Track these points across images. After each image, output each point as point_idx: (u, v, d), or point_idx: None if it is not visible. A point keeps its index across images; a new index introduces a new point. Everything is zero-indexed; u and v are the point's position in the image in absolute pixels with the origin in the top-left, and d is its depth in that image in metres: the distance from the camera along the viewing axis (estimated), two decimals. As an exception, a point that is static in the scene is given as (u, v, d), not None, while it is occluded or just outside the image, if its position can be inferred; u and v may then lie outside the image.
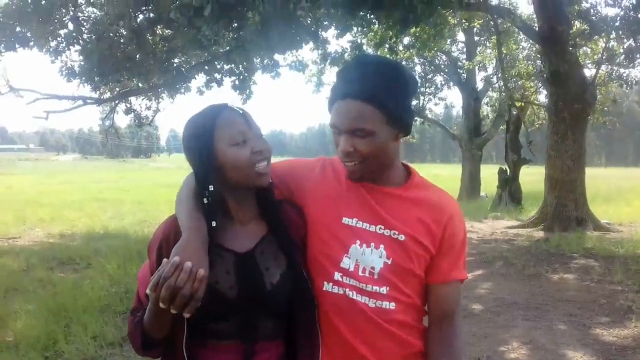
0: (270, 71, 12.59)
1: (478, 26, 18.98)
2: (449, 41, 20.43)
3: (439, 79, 23.21)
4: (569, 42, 10.62)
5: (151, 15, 10.98)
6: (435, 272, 1.47)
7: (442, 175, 31.00)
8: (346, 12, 8.59)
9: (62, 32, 11.53)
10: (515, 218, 12.86)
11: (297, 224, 1.47)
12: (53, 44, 11.47)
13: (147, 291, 1.18)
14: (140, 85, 13.84)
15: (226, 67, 12.83)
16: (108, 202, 18.52)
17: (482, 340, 4.66)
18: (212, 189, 1.32)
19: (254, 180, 1.34)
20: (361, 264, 1.42)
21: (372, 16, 9.62)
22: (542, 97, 17.93)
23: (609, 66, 14.01)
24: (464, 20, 17.29)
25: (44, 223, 12.85)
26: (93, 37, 11.22)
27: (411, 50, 16.60)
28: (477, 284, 6.57)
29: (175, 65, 12.68)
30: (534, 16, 12.39)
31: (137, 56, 11.41)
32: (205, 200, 1.33)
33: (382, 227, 1.44)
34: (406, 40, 15.36)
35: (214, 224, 1.32)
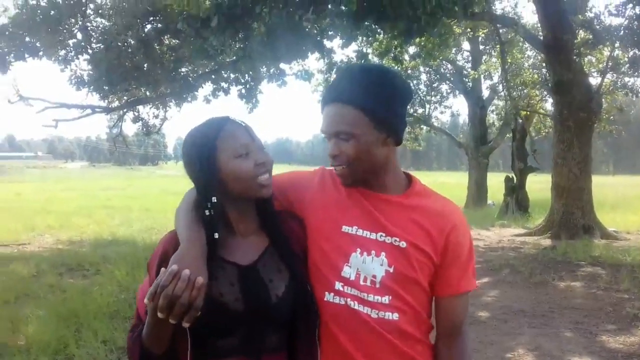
0: (276, 80, 12.70)
1: (483, 35, 19.03)
2: (454, 50, 20.51)
3: (444, 87, 23.34)
4: (573, 51, 10.67)
5: (159, 25, 11.13)
6: (445, 284, 1.44)
7: (449, 183, 30.98)
8: (351, 22, 8.66)
9: (71, 41, 11.68)
10: (522, 226, 12.85)
11: (298, 235, 1.46)
12: (62, 53, 11.62)
13: (145, 301, 1.17)
14: (148, 94, 13.98)
15: (232, 76, 12.96)
16: (116, 209, 18.61)
17: (489, 347, 4.68)
18: (215, 200, 1.32)
19: (256, 192, 1.35)
20: (362, 272, 1.39)
21: (376, 26, 9.69)
22: (549, 105, 17.98)
23: (614, 75, 14.02)
24: (469, 30, 17.36)
25: (52, 230, 12.95)
26: (101, 46, 11.35)
27: (417, 60, 16.69)
28: (484, 292, 6.58)
29: (182, 74, 12.81)
30: (539, 25, 12.45)
31: (145, 65, 11.55)
32: (207, 212, 1.32)
33: (383, 235, 1.41)
34: (411, 49, 15.45)
35: (216, 235, 1.31)
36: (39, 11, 10.79)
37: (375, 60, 13.81)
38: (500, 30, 15.20)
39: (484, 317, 5.58)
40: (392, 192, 1.46)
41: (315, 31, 10.08)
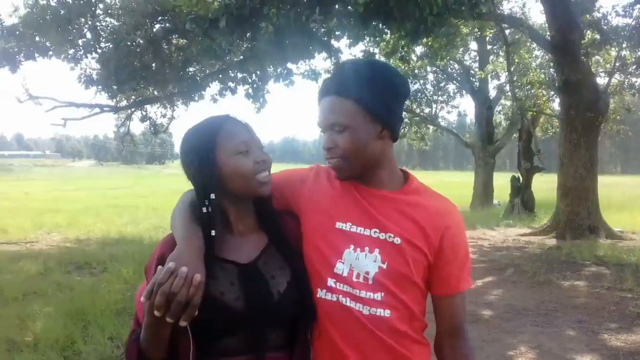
0: (283, 80, 12.74)
1: (490, 35, 19.02)
2: (461, 50, 20.51)
3: (451, 87, 23.35)
4: (580, 51, 10.65)
5: (167, 25, 11.18)
6: (444, 284, 1.44)
7: (455, 183, 30.95)
8: (358, 22, 8.69)
9: (81, 41, 11.77)
10: (528, 226, 12.85)
11: (295, 233, 1.45)
12: (71, 52, 11.72)
13: (142, 299, 1.15)
14: (155, 93, 14.06)
15: (240, 75, 13.01)
16: (123, 207, 18.76)
17: (491, 345, 4.71)
18: (214, 197, 1.31)
19: (255, 189, 1.35)
20: (355, 269, 1.37)
21: (384, 26, 9.72)
22: (556, 105, 17.93)
23: (622, 75, 13.98)
24: (476, 30, 17.35)
25: (60, 228, 13.09)
26: (110, 46, 11.44)
27: (424, 60, 16.69)
28: (488, 291, 6.62)
29: (190, 74, 12.86)
30: (546, 25, 12.44)
31: (153, 65, 11.61)
32: (205, 210, 1.31)
33: (377, 231, 1.39)
34: (419, 49, 15.47)
35: (213, 232, 1.30)
36: (49, 11, 10.88)
37: (383, 60, 13.83)
38: (508, 31, 15.18)
39: (487, 315, 5.61)
40: (387, 188, 1.45)
41: (323, 31, 10.12)
